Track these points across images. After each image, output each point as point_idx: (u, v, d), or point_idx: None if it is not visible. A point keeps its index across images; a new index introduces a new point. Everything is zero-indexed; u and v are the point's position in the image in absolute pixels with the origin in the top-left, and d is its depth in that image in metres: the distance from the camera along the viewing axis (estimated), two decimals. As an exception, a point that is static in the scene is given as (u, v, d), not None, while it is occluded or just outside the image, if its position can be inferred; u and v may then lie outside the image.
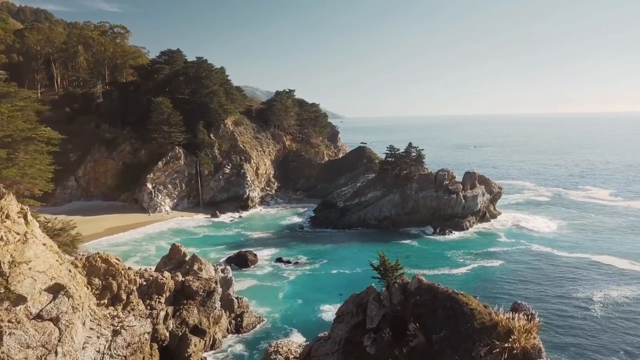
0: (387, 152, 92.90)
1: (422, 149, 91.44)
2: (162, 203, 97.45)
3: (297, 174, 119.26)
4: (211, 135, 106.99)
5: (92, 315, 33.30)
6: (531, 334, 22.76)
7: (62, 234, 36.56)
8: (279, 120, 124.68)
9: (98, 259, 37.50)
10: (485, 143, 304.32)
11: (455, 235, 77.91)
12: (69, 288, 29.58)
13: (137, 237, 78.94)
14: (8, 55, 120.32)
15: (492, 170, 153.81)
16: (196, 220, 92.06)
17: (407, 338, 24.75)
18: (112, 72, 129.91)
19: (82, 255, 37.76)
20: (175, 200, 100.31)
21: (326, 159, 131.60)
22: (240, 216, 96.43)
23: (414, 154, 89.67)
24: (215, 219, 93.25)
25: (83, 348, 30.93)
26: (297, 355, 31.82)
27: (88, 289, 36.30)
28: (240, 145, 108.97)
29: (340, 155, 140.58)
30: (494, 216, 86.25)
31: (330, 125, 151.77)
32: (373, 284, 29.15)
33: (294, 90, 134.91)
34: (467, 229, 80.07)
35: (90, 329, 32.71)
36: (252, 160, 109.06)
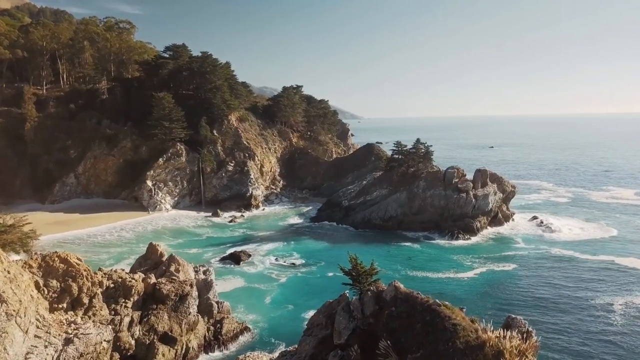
0: (394, 148, 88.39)
1: (431, 145, 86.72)
2: (163, 201, 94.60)
3: (304, 172, 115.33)
4: (214, 131, 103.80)
5: (39, 322, 29.90)
6: (526, 356, 18.49)
7: (11, 231, 33.19)
8: (286, 117, 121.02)
9: (56, 259, 34.13)
10: (504, 143, 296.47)
11: (465, 240, 72.79)
12: (3, 292, 26.17)
13: (130, 238, 75.78)
14: (12, 51, 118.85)
15: (510, 170, 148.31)
16: (194, 219, 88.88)
17: (378, 358, 20.68)
18: (118, 68, 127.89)
19: (38, 254, 34.40)
20: (176, 199, 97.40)
21: (335, 157, 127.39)
22: (242, 215, 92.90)
23: (422, 150, 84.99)
24: (216, 218, 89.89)
25: (26, 359, 27.58)
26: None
27: (44, 292, 32.99)
28: (244, 142, 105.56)
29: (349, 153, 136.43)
30: (506, 217, 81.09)
31: (340, 122, 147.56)
32: (347, 291, 25.14)
33: (301, 86, 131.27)
34: (478, 230, 75.03)
35: (37, 337, 29.26)
36: (256, 158, 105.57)
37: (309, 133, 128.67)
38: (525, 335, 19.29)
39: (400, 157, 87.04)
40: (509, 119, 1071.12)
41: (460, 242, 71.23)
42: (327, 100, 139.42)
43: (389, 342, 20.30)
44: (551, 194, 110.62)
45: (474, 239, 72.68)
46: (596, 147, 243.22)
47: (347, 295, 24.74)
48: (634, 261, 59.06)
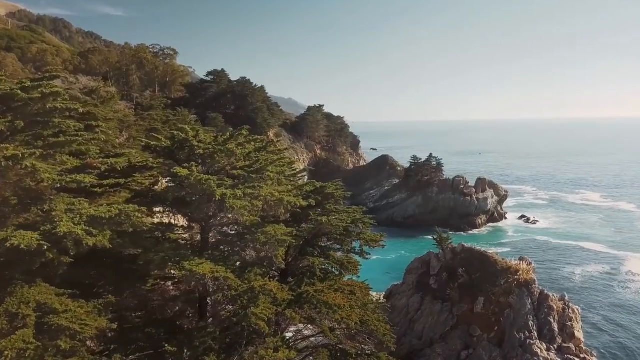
0: (411, 161, 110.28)
1: (441, 159, 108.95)
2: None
3: (328, 180, 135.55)
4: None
5: None
6: (529, 272, 40.27)
7: None
8: (311, 132, 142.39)
9: None
10: (489, 149, 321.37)
11: (471, 231, 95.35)
12: None
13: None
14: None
15: (497, 176, 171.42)
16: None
17: (457, 278, 42.19)
18: (162, 89, 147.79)
19: None
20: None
21: (350, 165, 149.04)
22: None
23: (434, 162, 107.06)
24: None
25: None
26: (381, 297, 49.15)
27: None
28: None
29: (361, 162, 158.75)
30: (501, 215, 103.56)
31: (352, 135, 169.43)
32: (431, 250, 46.50)
33: (323, 105, 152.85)
34: (479, 225, 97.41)
35: None
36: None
37: (328, 145, 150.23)
38: (529, 263, 41.13)
39: (415, 167, 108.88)
40: (492, 124, 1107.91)
41: (466, 233, 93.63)
42: (343, 117, 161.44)
43: (463, 269, 41.90)
44: (533, 197, 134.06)
45: (476, 231, 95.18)
46: (573, 155, 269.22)
47: (433, 252, 46.00)
48: (589, 244, 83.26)
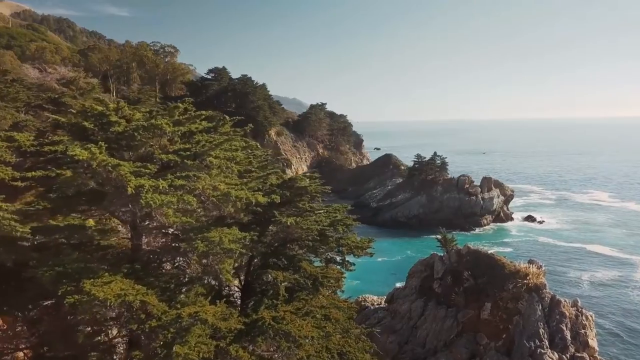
0: (415, 159, 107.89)
1: (446, 157, 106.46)
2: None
3: (330, 178, 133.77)
4: (257, 144, 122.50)
5: None
6: (540, 276, 37.85)
7: None
8: (313, 130, 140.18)
9: None
10: (493, 149, 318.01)
11: (475, 230, 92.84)
12: None
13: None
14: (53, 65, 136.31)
15: (503, 176, 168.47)
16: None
17: (462, 282, 39.81)
18: (163, 87, 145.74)
19: None
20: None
21: (353, 164, 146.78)
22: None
23: (438, 161, 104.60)
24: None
25: None
26: (382, 301, 46.83)
27: None
28: (283, 153, 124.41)
29: (364, 161, 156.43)
30: (507, 215, 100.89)
31: (355, 134, 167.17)
32: (434, 252, 44.11)
33: (325, 104, 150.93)
34: (484, 225, 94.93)
35: None
36: (292, 166, 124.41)
37: (331, 144, 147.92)
38: (539, 267, 38.68)
39: (419, 166, 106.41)
40: (495, 124, 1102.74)
41: (470, 233, 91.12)
42: (346, 115, 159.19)
43: (468, 272, 39.50)
44: (540, 197, 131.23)
45: (481, 231, 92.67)
46: (579, 154, 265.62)
47: (437, 253, 43.61)
48: (598, 247, 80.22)
